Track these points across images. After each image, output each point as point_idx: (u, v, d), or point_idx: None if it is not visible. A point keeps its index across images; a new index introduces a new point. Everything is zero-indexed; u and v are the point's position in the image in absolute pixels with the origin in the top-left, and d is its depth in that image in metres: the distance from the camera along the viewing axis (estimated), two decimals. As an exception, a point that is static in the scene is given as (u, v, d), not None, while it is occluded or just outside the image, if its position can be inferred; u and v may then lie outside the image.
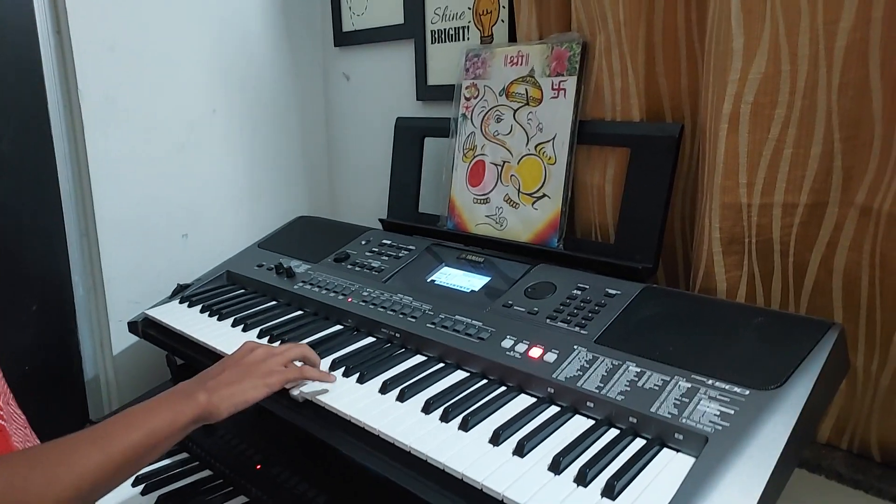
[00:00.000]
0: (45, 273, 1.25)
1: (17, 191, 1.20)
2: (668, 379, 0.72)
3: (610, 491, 0.61)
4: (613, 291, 0.89)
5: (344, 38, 1.49)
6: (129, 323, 1.20)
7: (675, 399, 0.70)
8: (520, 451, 0.68)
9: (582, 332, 0.83)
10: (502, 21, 1.16)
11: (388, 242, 1.20)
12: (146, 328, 1.16)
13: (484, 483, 0.64)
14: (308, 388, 0.83)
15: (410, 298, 1.01)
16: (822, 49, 0.77)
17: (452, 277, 1.04)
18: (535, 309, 0.90)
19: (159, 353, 1.26)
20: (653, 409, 0.69)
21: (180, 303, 1.18)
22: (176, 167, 1.35)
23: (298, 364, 0.84)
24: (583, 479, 0.63)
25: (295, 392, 0.83)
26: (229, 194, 1.45)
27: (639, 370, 0.75)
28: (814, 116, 0.80)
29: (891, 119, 0.77)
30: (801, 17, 0.77)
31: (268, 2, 1.45)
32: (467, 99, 1.16)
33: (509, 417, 0.74)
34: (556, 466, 0.65)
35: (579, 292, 0.91)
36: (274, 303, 1.15)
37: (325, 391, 0.83)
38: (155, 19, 1.28)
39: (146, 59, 1.28)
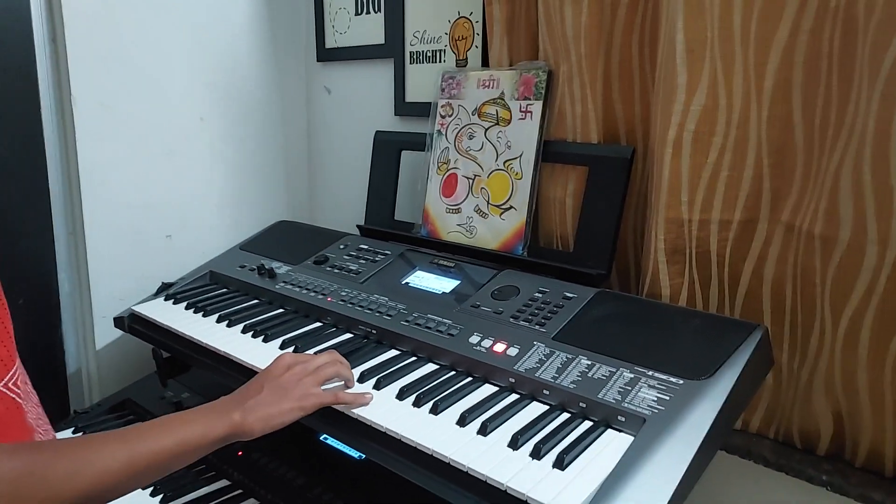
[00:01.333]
0: (33, 269, 1.30)
1: (7, 190, 1.25)
2: (615, 370, 0.82)
3: (560, 463, 0.70)
4: (570, 295, 0.99)
5: (326, 54, 1.58)
6: (115, 318, 1.26)
7: (620, 387, 0.80)
8: (483, 430, 0.77)
9: (541, 329, 0.93)
10: (476, 47, 1.27)
11: (366, 247, 1.28)
12: (132, 323, 1.21)
13: (452, 457, 0.73)
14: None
15: (386, 299, 1.09)
16: (752, 87, 0.89)
17: (425, 280, 1.13)
18: (500, 309, 0.99)
19: (141, 347, 1.32)
20: (600, 396, 0.79)
21: (165, 300, 1.24)
22: (163, 172, 1.41)
23: (333, 383, 0.86)
24: (537, 454, 0.72)
25: None
26: (213, 198, 1.51)
27: (589, 363, 0.85)
28: (746, 144, 0.92)
29: (810, 149, 0.89)
30: (735, 59, 0.88)
31: (255, 17, 1.53)
32: (442, 117, 1.26)
33: (475, 403, 0.83)
34: (515, 443, 0.74)
35: (540, 295, 1.00)
36: (256, 301, 1.22)
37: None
38: (147, 31, 1.35)
39: (138, 68, 1.34)
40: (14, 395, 0.68)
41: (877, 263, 0.82)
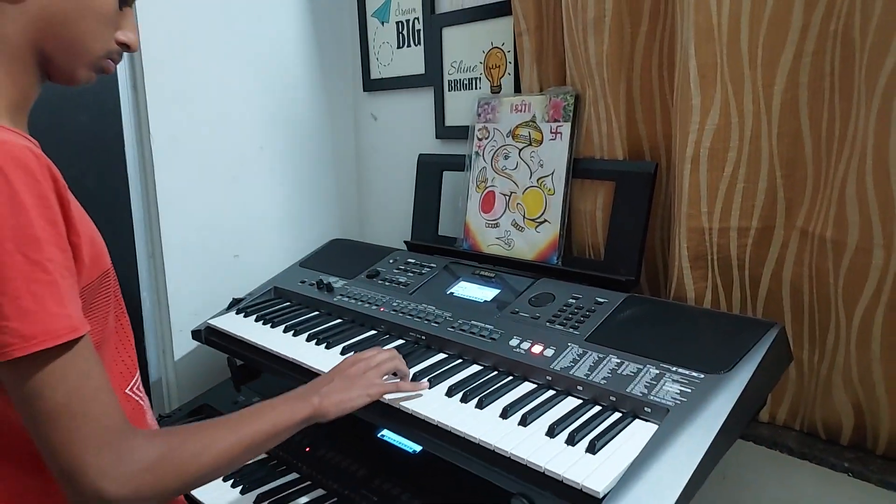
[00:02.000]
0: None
1: (96, 219, 1.41)
2: (642, 367, 0.91)
3: (592, 448, 0.80)
4: (602, 300, 1.08)
5: (372, 84, 1.71)
6: (192, 331, 1.40)
7: (646, 382, 0.89)
8: (523, 422, 0.87)
9: (575, 332, 1.03)
10: (509, 74, 1.38)
11: (413, 261, 1.40)
12: (209, 335, 1.36)
13: (496, 445, 0.83)
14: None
15: (433, 307, 1.20)
16: (762, 106, 0.97)
17: (468, 290, 1.24)
18: (538, 315, 1.09)
19: (214, 357, 1.46)
20: (628, 390, 0.88)
21: (237, 313, 1.39)
22: (229, 197, 1.57)
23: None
24: (572, 441, 0.82)
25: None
26: (274, 219, 1.66)
27: (619, 361, 0.94)
28: (759, 158, 1.00)
29: (818, 160, 0.97)
30: (744, 82, 0.97)
31: (306, 53, 1.68)
32: (479, 139, 1.37)
33: (515, 398, 0.93)
34: (552, 432, 0.84)
35: (574, 301, 1.10)
36: (316, 313, 1.34)
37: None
38: (212, 72, 1.51)
39: (205, 104, 1.50)
40: (137, 399, 0.81)
41: (883, 264, 0.89)
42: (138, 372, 0.83)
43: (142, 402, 0.82)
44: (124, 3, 0.75)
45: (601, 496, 0.74)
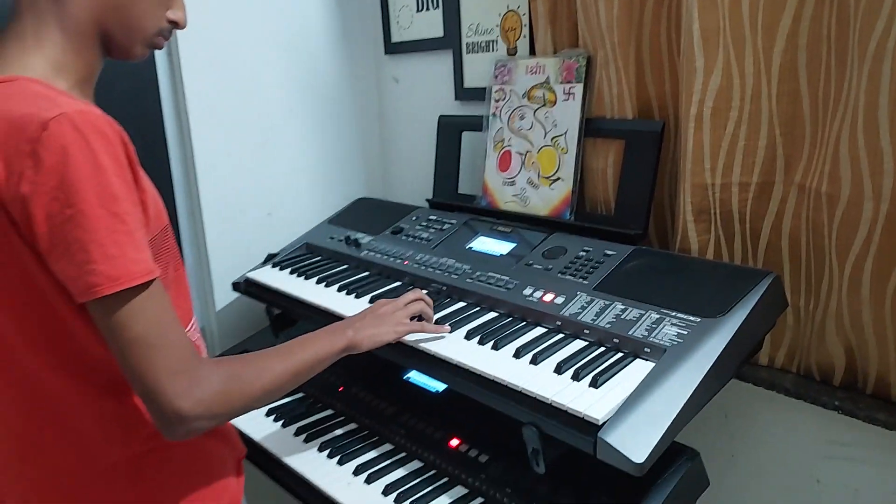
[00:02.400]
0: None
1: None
2: (644, 312, 1.00)
3: (594, 383, 0.89)
4: (610, 252, 1.16)
5: (393, 48, 1.77)
6: (233, 283, 1.52)
7: (647, 326, 0.97)
8: (534, 361, 0.97)
9: (584, 282, 1.11)
10: (524, 37, 1.43)
11: (434, 218, 1.48)
12: (248, 287, 1.48)
13: (510, 381, 0.93)
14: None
15: (453, 261, 1.29)
16: (762, 68, 1.02)
17: (486, 244, 1.33)
18: (550, 266, 1.18)
19: (253, 307, 1.59)
20: (630, 333, 0.97)
21: (272, 267, 1.50)
22: (261, 159, 1.66)
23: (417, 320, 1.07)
24: (577, 377, 0.91)
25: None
26: (303, 180, 1.76)
27: (623, 307, 1.02)
28: (759, 117, 1.05)
29: (815, 119, 1.02)
30: (745, 45, 1.02)
31: (329, 19, 1.74)
32: (496, 101, 1.43)
33: (527, 341, 1.02)
34: (559, 370, 0.94)
35: (584, 253, 1.18)
36: (345, 266, 1.45)
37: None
38: (244, 40, 1.58)
39: (238, 72, 1.58)
40: (195, 340, 0.93)
41: (872, 216, 0.95)
42: (195, 317, 0.94)
43: (201, 342, 0.93)
44: None
45: (600, 423, 0.83)
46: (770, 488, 1.21)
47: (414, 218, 1.52)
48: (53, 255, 0.70)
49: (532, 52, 1.42)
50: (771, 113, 1.05)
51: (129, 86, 1.48)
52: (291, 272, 1.44)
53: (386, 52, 1.80)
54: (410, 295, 1.09)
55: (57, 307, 0.74)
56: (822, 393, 1.10)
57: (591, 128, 1.28)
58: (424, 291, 1.25)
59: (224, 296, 1.63)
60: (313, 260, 1.51)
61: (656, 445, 0.81)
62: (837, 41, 0.95)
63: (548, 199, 1.34)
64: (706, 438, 1.23)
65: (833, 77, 0.97)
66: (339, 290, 1.31)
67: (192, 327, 0.91)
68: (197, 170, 1.56)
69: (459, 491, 1.06)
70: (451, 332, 1.09)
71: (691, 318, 0.96)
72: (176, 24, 0.86)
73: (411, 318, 1.06)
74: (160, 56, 1.51)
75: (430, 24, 1.64)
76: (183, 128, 1.56)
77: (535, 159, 1.37)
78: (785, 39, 0.99)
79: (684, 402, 0.85)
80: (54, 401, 0.79)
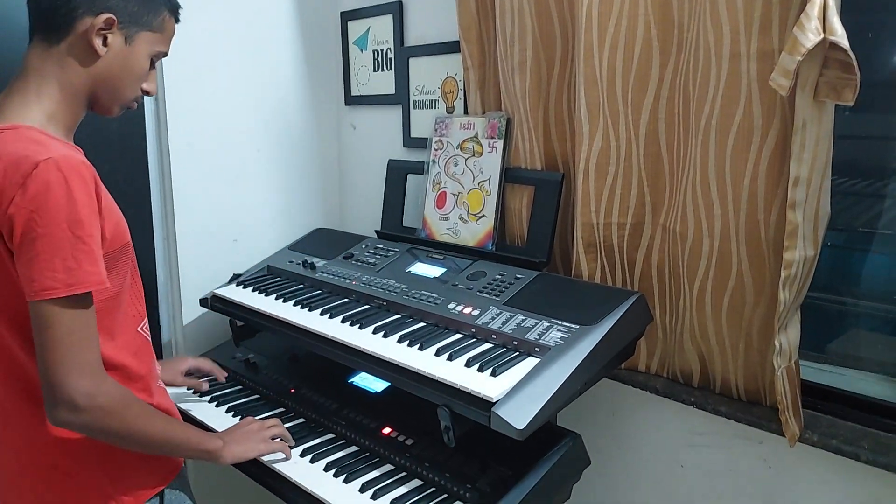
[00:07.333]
0: (139, 265, 1.78)
1: (122, 209, 1.73)
2: (538, 321, 1.26)
3: (494, 373, 1.14)
4: (520, 276, 1.43)
5: (352, 100, 2.05)
6: (200, 299, 1.73)
7: (539, 331, 1.23)
8: (450, 358, 1.21)
9: (496, 298, 1.37)
10: (460, 98, 1.72)
11: (381, 246, 1.73)
12: (214, 302, 1.69)
13: (429, 372, 1.18)
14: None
15: (394, 282, 1.54)
16: (632, 134, 1.33)
17: (422, 269, 1.58)
18: (472, 286, 1.44)
19: (217, 322, 1.80)
20: (526, 336, 1.23)
21: (236, 285, 1.72)
22: (231, 192, 1.89)
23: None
24: (481, 369, 1.16)
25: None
26: (268, 211, 1.99)
27: (524, 318, 1.29)
28: (631, 172, 1.35)
29: (672, 174, 1.32)
30: (619, 116, 1.32)
31: (298, 74, 2.01)
32: (435, 150, 1.71)
33: (446, 343, 1.27)
34: (468, 364, 1.19)
35: (499, 276, 1.45)
36: (302, 286, 1.67)
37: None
38: (221, 87, 1.83)
39: (214, 114, 1.82)
40: (145, 335, 1.12)
41: (709, 250, 1.24)
42: (146, 317, 1.15)
43: (148, 339, 1.14)
44: (152, 66, 1.09)
45: (494, 401, 1.08)
46: (645, 471, 1.47)
47: (364, 245, 1.77)
48: (21, 260, 0.88)
49: (466, 111, 1.71)
50: (640, 169, 1.35)
51: (120, 128, 1.70)
52: (254, 290, 1.67)
53: (346, 104, 2.08)
54: (272, 421, 1.31)
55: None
56: (683, 392, 1.38)
57: (510, 175, 1.57)
58: (367, 306, 1.50)
59: (191, 311, 1.83)
60: (273, 280, 1.73)
61: (534, 417, 1.06)
62: (684, 117, 1.26)
63: (474, 232, 1.62)
64: (595, 430, 1.48)
65: (682, 143, 1.27)
66: (295, 304, 1.54)
67: (143, 326, 1.12)
68: (175, 201, 1.78)
69: (387, 468, 1.29)
70: (386, 339, 1.33)
71: (572, 325, 1.23)
72: (147, 93, 1.10)
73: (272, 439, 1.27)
74: (148, 103, 1.74)
75: (384, 83, 1.93)
76: (164, 164, 1.78)
77: (465, 199, 1.64)
78: (649, 112, 1.30)
79: (558, 386, 1.11)
80: (30, 374, 0.95)
